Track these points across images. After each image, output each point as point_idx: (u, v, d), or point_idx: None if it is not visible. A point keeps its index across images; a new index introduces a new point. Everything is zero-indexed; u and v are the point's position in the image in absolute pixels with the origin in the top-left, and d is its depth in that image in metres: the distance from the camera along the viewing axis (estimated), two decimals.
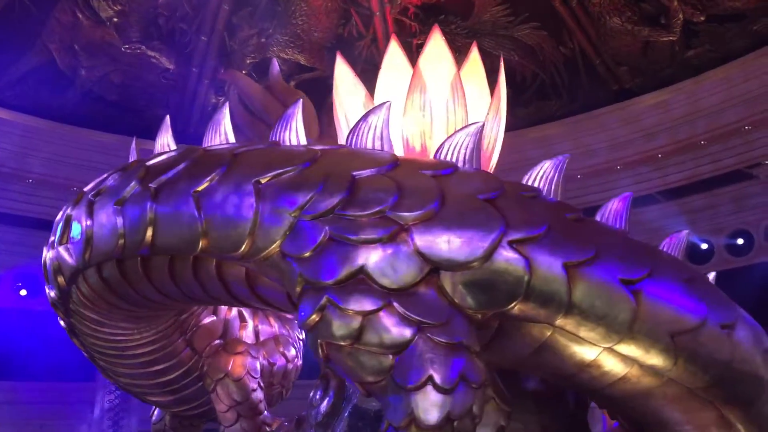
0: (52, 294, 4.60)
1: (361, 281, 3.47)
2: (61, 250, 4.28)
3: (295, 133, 4.06)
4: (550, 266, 3.58)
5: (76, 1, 13.46)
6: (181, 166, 3.93)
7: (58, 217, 4.40)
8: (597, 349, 3.74)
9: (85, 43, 13.78)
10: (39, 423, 13.09)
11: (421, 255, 3.49)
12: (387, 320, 3.42)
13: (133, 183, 3.97)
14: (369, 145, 3.94)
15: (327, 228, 3.53)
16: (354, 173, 3.69)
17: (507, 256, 3.53)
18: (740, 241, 13.30)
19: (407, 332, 3.41)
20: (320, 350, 3.52)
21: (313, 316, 3.48)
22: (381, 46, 13.66)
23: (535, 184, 4.10)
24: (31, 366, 13.25)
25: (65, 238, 4.25)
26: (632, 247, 3.99)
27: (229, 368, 5.39)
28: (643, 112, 13.56)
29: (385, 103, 4.01)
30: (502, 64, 5.41)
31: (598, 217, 4.20)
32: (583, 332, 3.68)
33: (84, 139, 13.58)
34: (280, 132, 4.09)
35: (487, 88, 5.53)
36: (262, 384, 5.61)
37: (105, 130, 13.60)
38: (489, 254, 3.52)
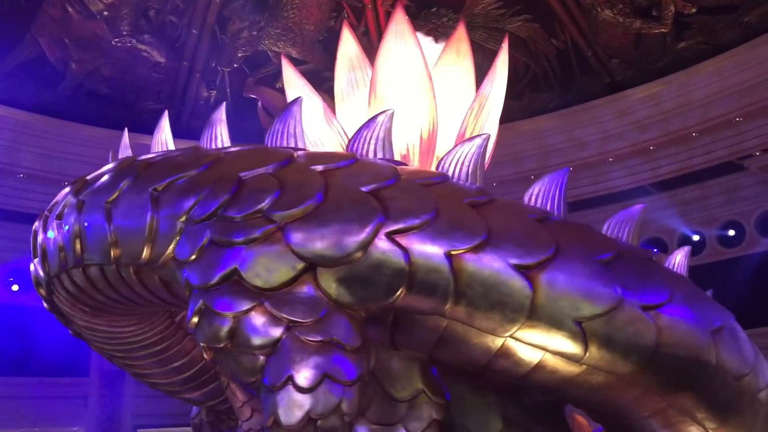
0: (45, 305, 4.69)
1: (236, 283, 3.46)
2: (35, 262, 4.43)
3: (219, 138, 4.13)
4: (431, 255, 3.49)
5: None
6: (106, 177, 4.02)
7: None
8: (499, 338, 3.64)
9: (75, 36, 13.70)
10: (33, 418, 13.07)
11: (294, 253, 3.45)
12: (257, 320, 3.42)
13: (69, 197, 4.10)
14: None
15: (208, 231, 3.54)
16: (242, 174, 3.67)
17: (384, 249, 3.46)
18: (732, 233, 13.34)
19: (276, 332, 3.40)
20: (205, 353, 3.58)
21: (194, 320, 3.52)
22: (373, 38, 13.63)
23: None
24: (25, 361, 13.21)
25: (35, 251, 4.40)
26: (538, 230, 3.77)
27: None
28: (635, 104, 13.58)
29: (296, 101, 4.06)
30: (506, 43, 5.36)
31: (526, 199, 4.08)
32: (477, 322, 3.59)
33: (75, 134, 13.50)
34: (205, 138, 4.17)
35: (471, 71, 5.44)
36: None
37: (96, 124, 13.53)
38: (363, 248, 3.44)
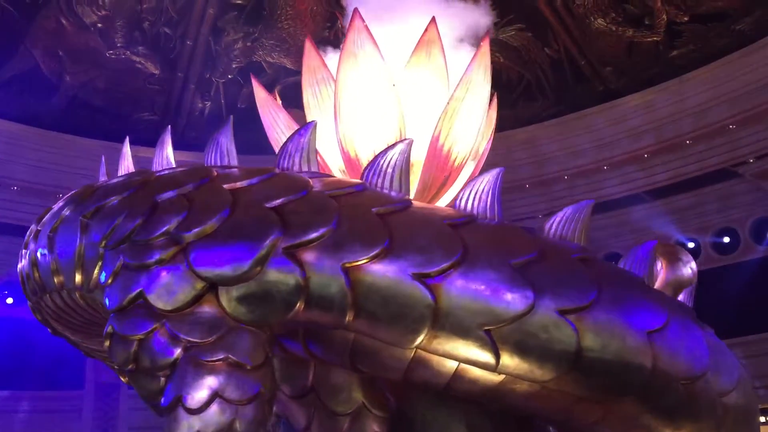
0: (50, 329, 4.73)
1: (141, 306, 3.49)
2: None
3: (165, 159, 4.19)
4: (327, 269, 3.46)
5: (60, 7, 13.36)
6: (57, 205, 4.12)
7: None
8: (408, 350, 3.55)
9: (69, 48, 13.69)
10: None
11: (195, 273, 3.46)
12: (157, 343, 3.45)
13: (33, 225, 4.22)
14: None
15: (122, 256, 3.59)
16: (156, 196, 3.71)
17: (279, 265, 3.45)
18: (726, 240, 13.37)
19: (173, 353, 3.42)
20: (120, 376, 3.67)
21: (105, 343, 3.58)
22: None
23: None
24: (18, 375, 13.14)
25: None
26: (448, 235, 3.64)
27: None
28: (628, 112, 13.61)
29: (229, 120, 4.15)
30: (486, 42, 5.22)
31: (457, 202, 3.94)
32: (380, 334, 3.52)
33: (69, 145, 13.48)
34: (154, 161, 4.23)
35: (444, 72, 5.27)
36: None
37: (90, 135, 13.49)
38: (259, 264, 3.43)
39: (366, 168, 3.95)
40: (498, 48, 14.08)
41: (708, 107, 12.81)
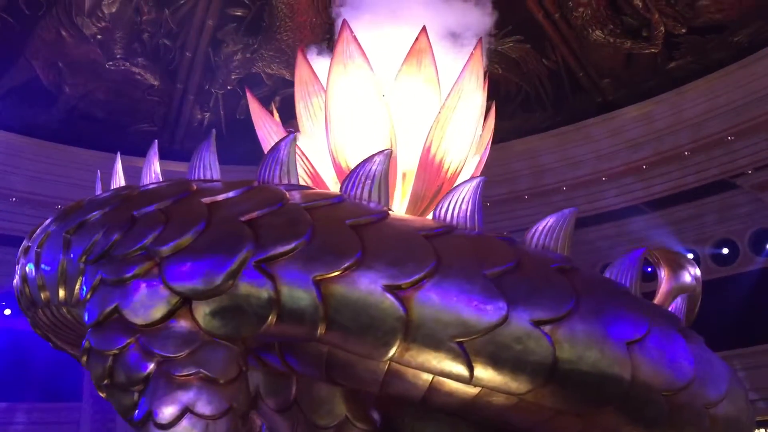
0: (51, 344, 4.75)
1: (116, 321, 3.50)
2: None
3: (152, 175, 4.21)
4: (298, 282, 3.44)
5: (60, 18, 13.40)
6: (45, 222, 4.17)
7: None
8: (382, 363, 3.51)
9: (69, 59, 13.71)
10: None
11: (169, 287, 3.46)
12: (130, 358, 3.46)
13: (24, 241, 4.27)
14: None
15: (100, 271, 3.60)
16: (135, 211, 3.73)
17: (251, 279, 3.43)
18: (725, 251, 13.37)
19: (146, 368, 3.43)
20: (99, 392, 3.66)
21: (83, 359, 3.62)
22: None
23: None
24: (17, 386, 13.09)
25: None
26: (422, 246, 3.59)
27: None
28: (627, 123, 13.63)
29: (211, 134, 4.16)
30: (478, 50, 5.17)
31: (436, 212, 3.90)
32: (352, 346, 3.49)
33: (68, 157, 13.46)
34: (142, 175, 4.24)
35: (435, 81, 5.22)
36: None
37: (89, 147, 13.49)
38: (231, 279, 3.42)
39: (345, 180, 3.94)
40: (497, 59, 14.12)
41: (706, 119, 12.84)
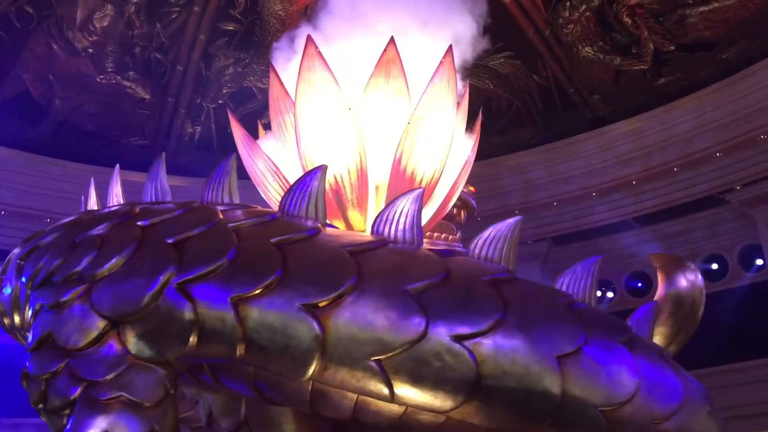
0: None
1: (50, 346, 3.55)
2: None
3: (113, 197, 4.28)
4: (215, 303, 3.42)
5: (51, 32, 13.40)
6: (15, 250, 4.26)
7: None
8: (305, 382, 3.45)
9: (59, 73, 13.70)
10: None
11: (97, 312, 3.50)
12: (60, 382, 3.50)
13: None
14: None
15: (41, 297, 3.66)
16: (77, 237, 3.79)
17: (171, 300, 3.45)
18: (714, 266, 13.42)
19: (74, 392, 3.45)
20: (40, 416, 3.68)
21: (23, 383, 3.65)
22: None
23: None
24: (9, 400, 12.95)
25: None
26: (343, 263, 3.51)
27: None
28: (617, 139, 13.72)
29: (161, 156, 4.24)
30: (447, 57, 5.11)
31: (374, 226, 3.81)
32: (272, 366, 3.45)
33: (59, 170, 13.42)
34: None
35: (405, 92, 5.16)
36: None
37: (80, 160, 13.47)
38: (153, 301, 3.45)
39: (283, 197, 3.91)
40: (487, 75, 14.21)
41: (695, 135, 12.94)
